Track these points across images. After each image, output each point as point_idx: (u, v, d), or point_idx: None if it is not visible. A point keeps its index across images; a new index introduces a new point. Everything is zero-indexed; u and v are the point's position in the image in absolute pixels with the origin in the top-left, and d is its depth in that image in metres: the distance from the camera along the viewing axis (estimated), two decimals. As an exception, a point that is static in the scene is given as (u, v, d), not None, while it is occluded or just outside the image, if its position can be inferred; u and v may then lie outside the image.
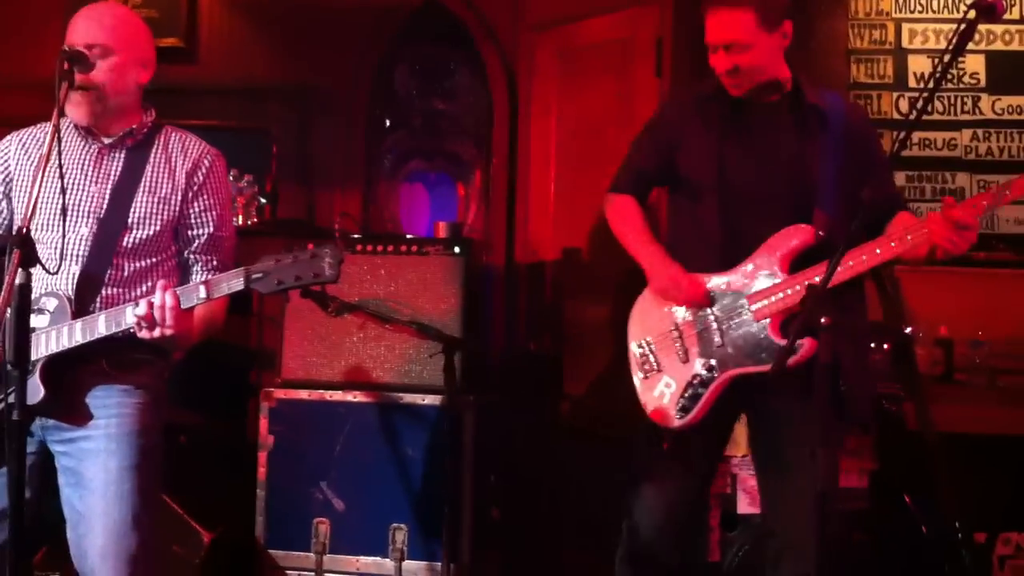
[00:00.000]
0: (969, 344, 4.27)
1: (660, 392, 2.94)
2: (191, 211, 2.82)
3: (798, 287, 2.77)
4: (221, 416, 4.63)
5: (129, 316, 2.59)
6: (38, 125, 2.90)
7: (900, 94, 4.78)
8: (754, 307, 2.86)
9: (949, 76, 4.67)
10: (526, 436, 4.50)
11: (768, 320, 2.83)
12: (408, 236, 4.78)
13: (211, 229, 2.84)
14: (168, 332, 2.55)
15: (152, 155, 2.81)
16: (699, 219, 2.99)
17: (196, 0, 5.61)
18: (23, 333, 2.35)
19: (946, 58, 2.51)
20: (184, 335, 2.62)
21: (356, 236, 4.24)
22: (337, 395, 4.01)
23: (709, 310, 2.91)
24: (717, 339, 2.89)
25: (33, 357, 2.57)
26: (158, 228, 2.77)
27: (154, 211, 2.77)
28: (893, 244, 2.76)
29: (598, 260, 4.74)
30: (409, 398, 3.97)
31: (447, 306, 4.03)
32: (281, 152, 5.47)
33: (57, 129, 2.49)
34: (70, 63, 2.62)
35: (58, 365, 2.65)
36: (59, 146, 2.56)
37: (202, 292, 2.55)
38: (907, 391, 3.89)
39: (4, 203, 2.85)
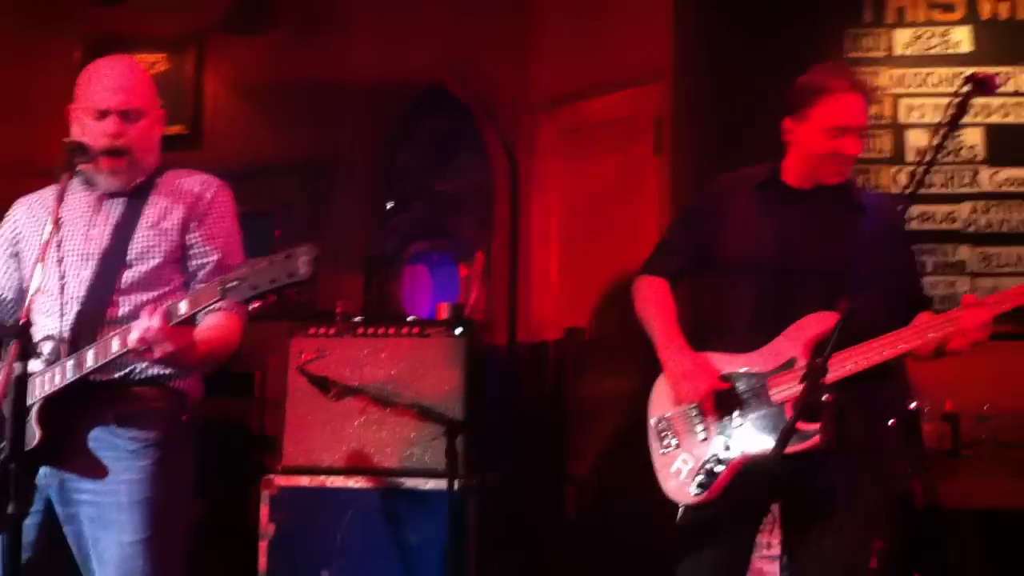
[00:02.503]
0: (975, 418, 4.24)
1: (677, 468, 2.94)
2: (195, 240, 2.79)
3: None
4: (221, 501, 4.60)
5: (115, 345, 2.51)
6: (45, 189, 2.91)
7: (899, 168, 4.81)
8: (774, 391, 2.86)
9: (947, 149, 4.70)
10: (531, 518, 4.45)
11: (786, 403, 2.83)
12: (410, 318, 4.78)
13: (217, 257, 2.79)
14: (169, 349, 2.47)
15: (153, 192, 2.80)
16: (736, 300, 3.00)
17: (201, 87, 5.70)
18: (19, 425, 2.35)
19: (943, 131, 2.53)
20: (187, 354, 2.54)
21: (357, 319, 4.23)
22: (339, 481, 3.97)
23: (730, 391, 2.91)
24: (737, 420, 2.90)
25: (28, 401, 2.50)
26: (159, 261, 2.74)
27: (153, 244, 2.74)
28: (894, 341, 2.80)
29: (601, 337, 4.74)
30: (411, 483, 3.92)
31: (449, 388, 4.00)
32: (284, 234, 5.51)
33: (57, 222, 2.50)
34: (71, 155, 2.65)
35: (57, 409, 2.58)
36: (61, 236, 2.56)
37: (181, 308, 2.45)
38: (914, 467, 3.85)
39: (13, 264, 2.86)
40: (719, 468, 2.88)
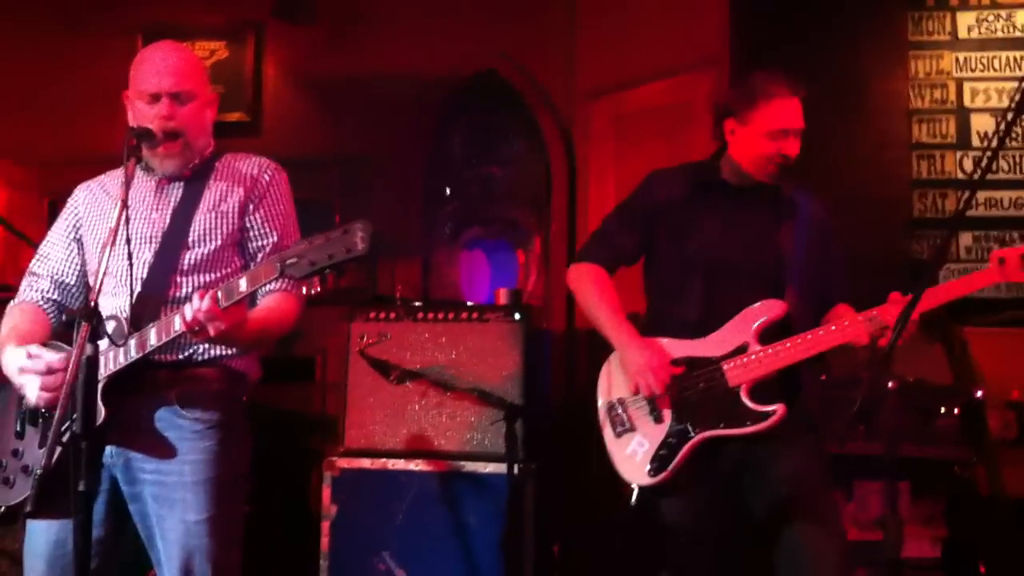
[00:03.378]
0: (1042, 407, 4.18)
1: (632, 451, 3.03)
2: (253, 223, 2.81)
3: (769, 354, 2.95)
4: (284, 484, 4.65)
5: (177, 324, 2.54)
6: (107, 173, 2.95)
7: (964, 153, 4.74)
8: (729, 373, 2.97)
9: (1013, 135, 4.62)
10: (590, 503, 4.45)
11: (742, 385, 2.96)
12: (468, 303, 4.79)
13: (275, 239, 2.81)
14: (222, 328, 2.49)
15: (211, 178, 2.83)
16: (681, 292, 3.09)
17: (261, 77, 5.76)
18: (91, 405, 2.38)
19: (1009, 117, 2.50)
20: (238, 333, 2.57)
21: (417, 304, 4.25)
22: (399, 464, 4.01)
23: (684, 374, 3.01)
24: (691, 402, 3.00)
25: None
26: (219, 243, 2.77)
27: (214, 226, 2.77)
28: (834, 328, 2.96)
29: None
30: (471, 466, 3.95)
31: (508, 373, 4.02)
32: (342, 221, 5.54)
33: (125, 204, 2.52)
34: (138, 140, 2.68)
35: (120, 388, 2.61)
36: (127, 223, 2.59)
37: (242, 286, 2.48)
38: (978, 456, 3.82)
39: (75, 248, 2.89)
40: (676, 449, 2.97)
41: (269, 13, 5.70)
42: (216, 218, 2.78)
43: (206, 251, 2.76)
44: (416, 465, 4.00)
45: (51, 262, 2.91)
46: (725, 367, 2.98)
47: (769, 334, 2.98)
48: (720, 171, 3.16)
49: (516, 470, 3.81)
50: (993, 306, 4.57)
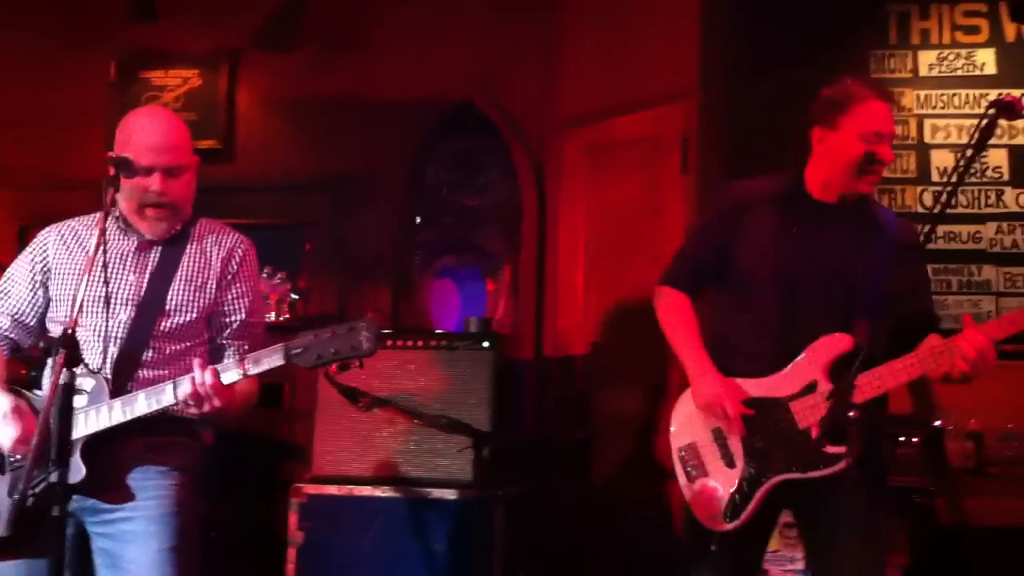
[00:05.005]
0: (1000, 436, 4.25)
1: (709, 496, 2.95)
2: (225, 298, 2.92)
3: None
4: (251, 510, 4.65)
5: (168, 394, 2.66)
6: (77, 219, 3.00)
7: (924, 188, 4.84)
8: (798, 415, 2.88)
9: (972, 171, 4.72)
10: (556, 530, 4.48)
11: (812, 426, 2.85)
12: (438, 331, 4.83)
13: (243, 316, 2.93)
14: (216, 405, 2.63)
15: (188, 246, 2.92)
16: (755, 312, 3.00)
17: (234, 102, 5.79)
18: (66, 431, 2.42)
19: (968, 153, 2.55)
20: (227, 410, 2.69)
21: (387, 331, 4.28)
22: (367, 490, 4.03)
23: (754, 416, 2.92)
24: (761, 445, 2.91)
25: (73, 436, 2.60)
26: (195, 315, 2.87)
27: (191, 299, 2.87)
28: (912, 364, 2.82)
29: (627, 351, 4.77)
30: (438, 493, 3.97)
31: (476, 400, 4.05)
32: (314, 247, 5.57)
33: (103, 232, 2.57)
34: (116, 168, 2.71)
35: (97, 444, 2.70)
36: (105, 247, 2.64)
37: (245, 367, 2.62)
38: (939, 485, 3.87)
39: (41, 292, 2.92)
40: (750, 495, 2.90)
41: (247, 42, 5.74)
42: (194, 291, 2.88)
43: (182, 320, 2.86)
44: (383, 492, 4.01)
45: (12, 300, 2.94)
46: (793, 408, 2.88)
47: (839, 368, 2.84)
48: (803, 184, 3.04)
49: (484, 497, 3.84)
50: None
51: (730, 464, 2.94)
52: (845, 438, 2.78)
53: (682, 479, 3.02)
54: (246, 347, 2.88)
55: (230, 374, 2.63)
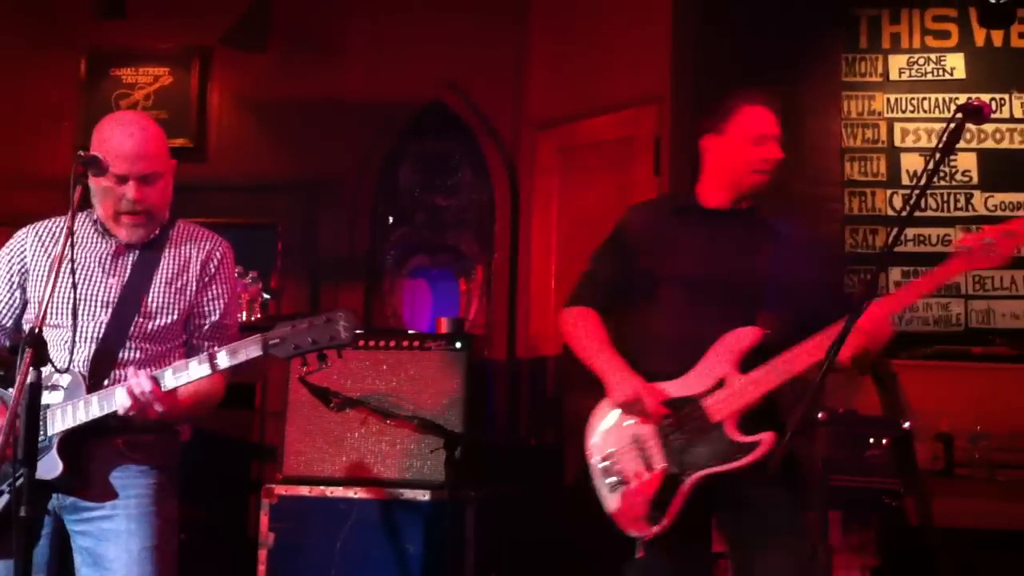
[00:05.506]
0: (969, 438, 4.28)
1: (630, 503, 2.97)
2: (202, 299, 2.92)
3: (748, 383, 2.88)
4: (222, 511, 4.62)
5: (117, 401, 2.64)
6: (53, 219, 2.98)
7: (894, 191, 4.88)
8: (710, 409, 2.92)
9: (942, 174, 4.77)
10: (528, 531, 4.48)
11: (725, 420, 2.90)
12: (410, 332, 4.82)
13: (217, 317, 2.93)
14: (158, 411, 2.62)
15: (167, 249, 2.91)
16: (661, 318, 3.07)
17: (205, 101, 5.76)
18: (33, 431, 2.39)
19: (936, 157, 2.58)
20: (172, 414, 2.69)
21: (359, 331, 4.26)
22: (338, 491, 4.01)
23: (668, 417, 2.96)
24: (679, 444, 2.95)
25: (49, 432, 2.66)
26: (175, 317, 2.87)
27: (171, 301, 2.87)
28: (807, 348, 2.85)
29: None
30: (410, 494, 3.97)
31: (448, 401, 4.05)
32: (286, 247, 5.56)
33: (71, 232, 2.55)
34: (84, 167, 2.69)
35: (74, 440, 2.69)
36: (72, 248, 2.62)
37: (222, 361, 2.62)
38: (907, 486, 3.89)
39: (18, 293, 2.91)
40: (672, 495, 2.91)
41: (216, 40, 5.71)
42: (173, 293, 2.88)
43: (162, 323, 2.86)
44: (355, 492, 4.00)
45: None
46: (705, 403, 2.92)
47: (749, 362, 2.91)
48: (696, 197, 3.15)
49: (456, 498, 3.84)
50: (922, 340, 4.70)
51: (650, 468, 2.96)
52: (761, 427, 2.84)
53: (602, 489, 3.04)
54: (216, 347, 2.86)
55: (205, 366, 2.62)
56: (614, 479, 3.01)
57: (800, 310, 2.93)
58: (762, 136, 3.03)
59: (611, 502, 3.02)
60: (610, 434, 3.05)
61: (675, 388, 2.98)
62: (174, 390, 2.66)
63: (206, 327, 2.92)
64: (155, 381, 2.62)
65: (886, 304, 2.87)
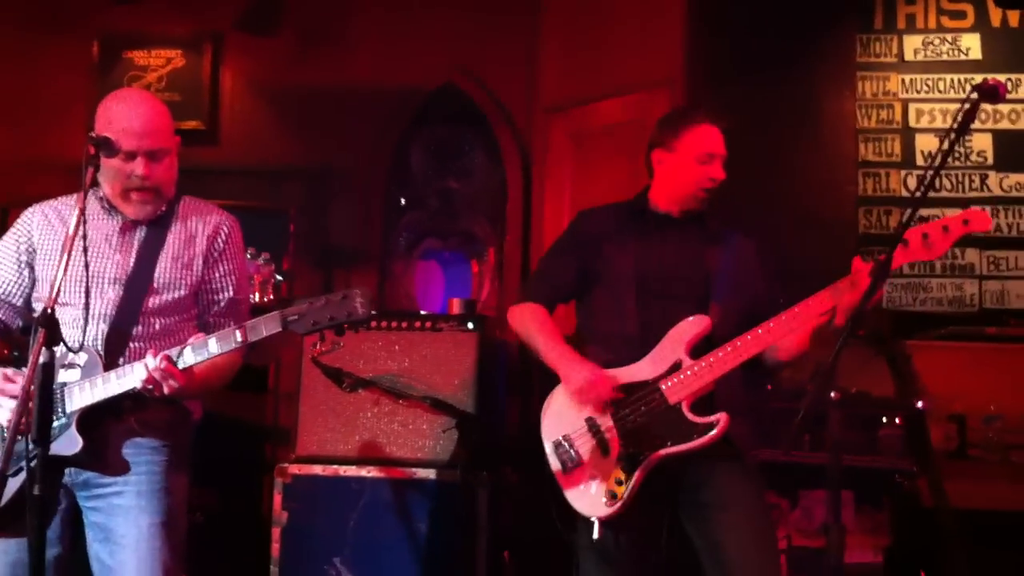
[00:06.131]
0: (982, 420, 4.27)
1: (585, 485, 3.03)
2: (213, 276, 2.94)
3: (704, 367, 3.00)
4: (236, 493, 4.65)
5: (135, 378, 2.68)
6: (59, 199, 3.00)
7: (908, 172, 4.86)
8: (667, 391, 3.01)
9: (956, 155, 4.75)
10: (540, 511, 4.49)
11: (682, 401, 2.99)
12: (422, 312, 4.83)
13: (231, 293, 2.96)
14: (175, 386, 2.66)
15: (173, 225, 2.93)
16: (616, 316, 3.16)
17: (218, 84, 5.76)
18: (46, 411, 2.41)
19: (951, 137, 2.57)
20: (189, 389, 2.72)
21: (371, 313, 4.27)
22: (351, 470, 4.03)
23: (624, 400, 3.03)
24: (636, 425, 3.01)
25: (69, 409, 2.70)
26: (183, 292, 2.89)
27: (179, 276, 2.89)
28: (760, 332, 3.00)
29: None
30: (423, 473, 3.98)
31: (460, 382, 4.06)
32: (298, 231, 5.57)
33: (83, 212, 2.56)
34: (96, 148, 2.70)
35: (93, 417, 2.73)
36: (84, 228, 2.63)
37: (239, 336, 2.65)
38: (920, 467, 3.89)
39: (27, 272, 2.93)
40: (629, 476, 2.97)
41: (230, 24, 5.71)
42: (181, 269, 2.90)
43: (170, 298, 2.88)
44: (368, 472, 4.02)
45: None
46: (663, 386, 3.01)
47: (700, 350, 3.03)
48: (648, 202, 3.27)
49: (468, 477, 3.85)
50: (936, 321, 4.69)
51: (605, 452, 3.02)
52: (714, 408, 2.95)
53: (558, 472, 3.08)
54: (232, 324, 2.87)
55: (228, 341, 2.66)
56: (569, 461, 3.06)
57: (745, 303, 3.10)
58: (709, 155, 3.15)
59: (566, 483, 3.07)
60: (563, 417, 3.10)
61: (628, 374, 3.07)
62: (189, 369, 2.68)
63: (223, 303, 2.94)
64: (170, 360, 2.64)
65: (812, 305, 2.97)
